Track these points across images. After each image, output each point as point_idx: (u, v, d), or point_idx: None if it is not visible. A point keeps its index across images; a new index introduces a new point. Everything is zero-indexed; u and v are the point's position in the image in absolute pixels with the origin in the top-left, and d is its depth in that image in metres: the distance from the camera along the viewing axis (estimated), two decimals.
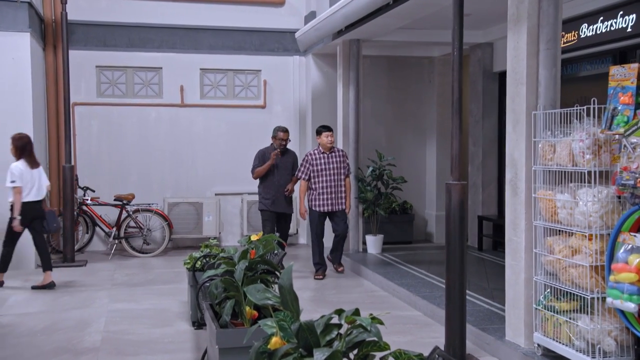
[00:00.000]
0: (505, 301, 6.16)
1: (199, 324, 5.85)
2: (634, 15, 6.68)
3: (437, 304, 6.31)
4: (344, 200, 8.19)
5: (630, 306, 3.88)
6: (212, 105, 10.81)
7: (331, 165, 8.10)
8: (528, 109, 4.83)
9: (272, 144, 8.36)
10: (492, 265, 8.43)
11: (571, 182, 4.47)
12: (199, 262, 5.99)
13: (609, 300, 4.02)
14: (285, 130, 8.32)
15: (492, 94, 9.70)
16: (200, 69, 10.77)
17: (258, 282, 4.43)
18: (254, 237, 4.62)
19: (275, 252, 4.61)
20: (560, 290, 4.57)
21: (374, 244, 9.30)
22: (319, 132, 8.17)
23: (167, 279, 8.14)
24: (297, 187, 8.84)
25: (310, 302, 6.87)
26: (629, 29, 6.81)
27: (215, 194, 10.74)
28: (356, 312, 2.90)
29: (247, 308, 4.32)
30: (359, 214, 9.32)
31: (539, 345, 4.75)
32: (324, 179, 8.07)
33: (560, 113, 4.57)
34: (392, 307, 6.77)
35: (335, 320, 2.95)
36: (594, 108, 4.21)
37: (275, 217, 8.32)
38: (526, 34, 4.83)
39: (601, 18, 7.11)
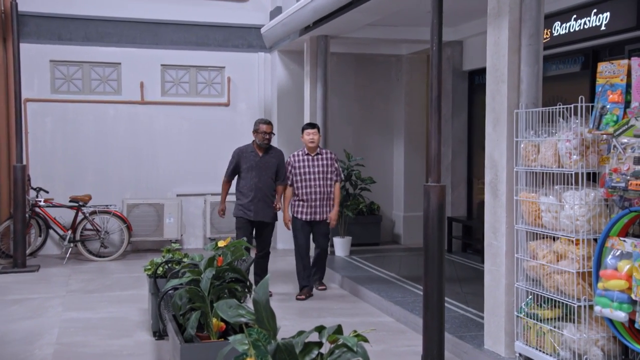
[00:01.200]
0: (480, 307, 5.98)
1: (160, 334, 5.49)
2: (608, 14, 6.55)
3: (410, 309, 6.08)
4: (329, 209, 7.14)
5: (620, 315, 3.69)
6: (174, 103, 10.40)
7: (315, 169, 7.09)
8: (509, 108, 4.63)
9: (253, 140, 7.09)
10: (463, 268, 8.25)
11: (555, 184, 4.28)
12: (160, 268, 5.64)
13: (597, 308, 3.82)
14: (268, 123, 7.07)
15: (461, 93, 9.55)
16: (162, 65, 10.35)
17: (226, 292, 4.13)
18: (221, 243, 4.31)
19: (244, 258, 4.30)
20: (544, 297, 4.37)
21: (341, 246, 9.05)
22: (302, 130, 7.28)
23: (126, 285, 7.74)
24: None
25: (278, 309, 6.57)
26: (602, 27, 6.68)
27: (177, 195, 10.34)
28: (339, 330, 2.63)
29: (214, 320, 4.01)
30: None
31: (520, 354, 4.54)
32: (307, 184, 7.06)
33: (543, 112, 4.37)
34: (363, 312, 6.52)
35: (315, 337, 2.67)
36: (581, 106, 4.01)
37: (252, 226, 7.05)
38: (507, 28, 4.62)
39: (574, 16, 6.98)
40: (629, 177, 3.64)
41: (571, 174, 4.08)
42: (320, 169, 7.10)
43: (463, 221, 9.29)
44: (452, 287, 7.10)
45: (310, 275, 7.24)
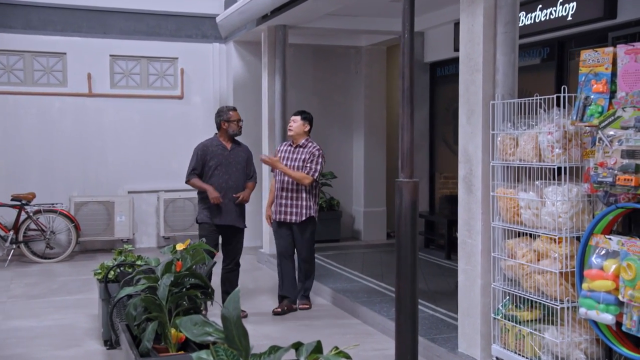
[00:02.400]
0: (450, 306, 5.78)
1: (112, 343, 5.10)
2: (574, 4, 6.41)
3: (378, 310, 5.83)
4: (302, 211, 6.17)
5: (607, 318, 3.49)
6: (124, 95, 9.90)
7: (294, 163, 6.20)
8: (485, 99, 4.39)
9: (216, 134, 6.18)
10: (427, 264, 8.05)
11: (535, 179, 4.06)
12: (112, 272, 5.24)
13: (582, 311, 3.62)
14: (235, 109, 6.21)
15: (422, 86, 9.34)
16: (110, 56, 9.84)
17: (185, 300, 3.79)
18: (179, 246, 3.95)
19: (205, 262, 3.96)
20: (521, 298, 4.16)
21: None
22: None
23: (73, 289, 7.27)
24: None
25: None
26: (569, 18, 6.54)
27: (129, 192, 9.85)
28: (318, 347, 2.33)
29: (173, 330, 3.66)
30: None
31: (497, 358, 4.32)
32: (282, 177, 6.21)
33: (522, 103, 4.15)
34: (328, 314, 6.24)
35: (292, 355, 2.37)
36: (563, 97, 3.79)
37: (219, 233, 6.07)
38: (482, 15, 4.38)
39: (540, 6, 6.83)
40: (616, 172, 3.44)
41: (552, 169, 3.86)
42: (297, 163, 6.18)
43: (425, 216, 9.10)
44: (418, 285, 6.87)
45: (292, 286, 6.34)
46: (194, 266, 3.87)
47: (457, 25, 8.34)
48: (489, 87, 4.39)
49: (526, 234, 4.11)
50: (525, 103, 4.14)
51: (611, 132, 3.50)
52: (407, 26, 4.36)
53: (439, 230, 9.01)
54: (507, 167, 4.23)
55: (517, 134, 4.11)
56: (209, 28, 10.17)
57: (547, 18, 6.76)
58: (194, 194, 9.89)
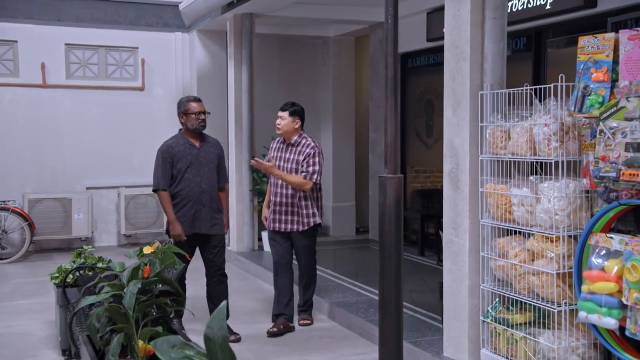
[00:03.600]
0: (429, 306, 5.55)
1: (70, 353, 4.71)
2: None
3: (355, 311, 5.56)
4: (305, 219, 5.42)
5: (610, 322, 3.27)
6: (81, 87, 9.41)
7: (286, 164, 5.41)
8: (472, 89, 4.14)
9: (180, 129, 5.31)
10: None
11: (524, 173, 3.83)
12: (70, 276, 4.84)
13: (582, 315, 3.39)
14: (199, 100, 5.31)
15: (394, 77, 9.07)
16: (66, 45, 9.33)
17: (154, 309, 3.45)
18: (147, 249, 3.60)
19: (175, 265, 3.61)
20: (511, 299, 3.93)
21: None
22: None
23: (28, 292, 6.82)
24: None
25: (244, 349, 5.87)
26: (547, 7, 6.36)
27: (87, 188, 9.39)
28: None
29: (140, 342, 3.32)
30: (253, 208, 8.41)
31: None
32: (273, 179, 5.49)
33: (514, 94, 3.91)
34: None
35: None
36: (561, 86, 3.56)
37: (195, 245, 5.26)
38: (469, 0, 4.12)
39: None
40: (620, 166, 3.22)
41: (547, 163, 3.63)
42: (290, 165, 5.37)
43: None
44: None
45: (290, 302, 5.55)
46: (164, 271, 3.53)
47: (429, 14, 8.11)
48: (477, 76, 4.14)
49: (518, 232, 3.87)
50: (515, 94, 3.91)
51: (614, 124, 3.27)
52: (390, 11, 4.07)
53: (411, 225, 8.79)
54: (498, 161, 3.99)
55: (509, 126, 3.86)
56: (171, 16, 9.74)
57: (525, 7, 6.57)
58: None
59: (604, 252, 3.38)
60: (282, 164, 5.43)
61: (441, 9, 7.88)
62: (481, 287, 4.12)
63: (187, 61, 9.86)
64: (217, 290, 5.34)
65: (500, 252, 3.96)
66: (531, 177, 3.71)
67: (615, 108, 3.29)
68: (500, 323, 3.96)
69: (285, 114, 5.54)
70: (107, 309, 3.30)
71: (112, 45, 9.58)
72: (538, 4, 6.45)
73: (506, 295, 3.93)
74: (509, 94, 3.95)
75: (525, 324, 3.88)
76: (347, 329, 5.50)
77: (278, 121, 5.54)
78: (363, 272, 7.11)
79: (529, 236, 3.78)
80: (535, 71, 6.77)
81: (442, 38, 7.94)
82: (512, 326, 3.89)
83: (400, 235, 4.15)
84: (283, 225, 5.47)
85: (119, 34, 9.54)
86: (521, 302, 3.89)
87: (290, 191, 5.40)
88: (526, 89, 3.83)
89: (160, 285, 3.54)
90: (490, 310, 4.07)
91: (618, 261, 3.28)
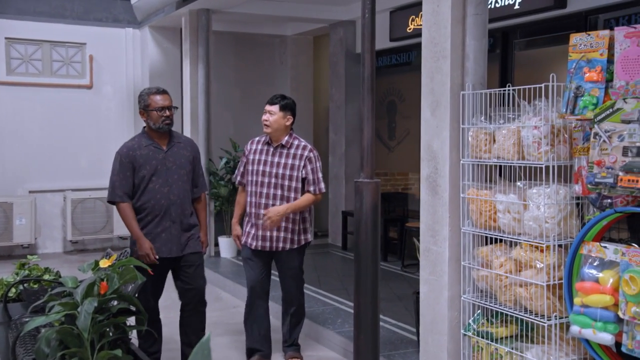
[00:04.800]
0: (400, 317, 5.32)
1: None
2: None
3: (322, 322, 5.28)
4: (296, 236, 4.59)
5: (606, 338, 3.07)
6: (23, 84, 8.87)
7: (274, 169, 4.55)
8: (453, 89, 3.91)
9: (144, 128, 4.41)
10: None
11: (509, 178, 3.62)
12: (13, 290, 4.40)
13: (574, 329, 3.19)
14: (164, 92, 4.36)
15: (355, 77, 8.87)
16: (6, 39, 8.78)
17: (111, 329, 3.10)
18: (104, 263, 3.24)
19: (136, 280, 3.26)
20: (493, 312, 3.72)
21: (228, 246, 8.08)
22: None
23: None
24: None
25: None
26: (516, 6, 6.23)
27: (30, 192, 8.84)
28: None
29: None
30: (210, 212, 8.04)
31: None
32: (257, 189, 4.54)
33: (498, 94, 3.69)
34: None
35: None
36: (552, 87, 3.36)
37: (167, 267, 4.35)
38: None
39: None
40: (617, 171, 3.03)
41: (536, 168, 3.43)
42: (282, 170, 4.51)
43: None
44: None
45: (266, 335, 4.71)
46: (123, 287, 3.18)
47: (392, 13, 7.92)
48: (458, 75, 3.92)
49: (502, 240, 3.66)
50: (497, 94, 3.70)
51: (609, 127, 3.08)
52: (367, 5, 3.81)
53: None
54: (481, 165, 3.77)
55: (494, 128, 3.65)
56: (121, 11, 9.28)
57: (492, 7, 6.42)
58: (106, 193, 9.05)
59: (597, 262, 3.18)
60: (269, 169, 4.55)
61: (405, 7, 7.75)
62: (462, 298, 3.89)
63: (138, 58, 9.42)
64: (192, 321, 4.42)
65: (483, 261, 3.74)
66: (519, 183, 3.50)
67: (611, 110, 3.10)
68: (483, 337, 3.74)
69: (274, 108, 4.60)
70: (58, 331, 2.94)
71: (58, 41, 9.07)
72: (506, 3, 6.32)
73: (490, 307, 3.71)
74: (496, 94, 3.74)
75: (509, 337, 3.67)
76: (315, 341, 5.21)
77: (265, 117, 4.60)
78: (326, 280, 6.84)
79: (514, 245, 3.57)
80: (502, 73, 6.64)
81: (405, 37, 7.82)
82: (496, 340, 3.68)
83: (377, 245, 3.91)
84: (269, 243, 4.52)
85: (65, 28, 9.04)
86: (504, 314, 3.69)
87: (278, 201, 4.51)
88: (510, 90, 3.62)
89: (117, 302, 3.19)
90: (472, 323, 3.85)
91: (614, 272, 3.09)
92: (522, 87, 3.49)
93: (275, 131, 4.57)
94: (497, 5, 6.38)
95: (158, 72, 9.19)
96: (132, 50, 9.39)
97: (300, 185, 4.55)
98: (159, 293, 4.37)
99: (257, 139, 4.77)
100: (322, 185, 4.61)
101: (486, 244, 3.78)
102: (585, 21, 5.79)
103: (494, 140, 3.65)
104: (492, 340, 3.69)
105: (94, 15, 9.21)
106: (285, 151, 4.57)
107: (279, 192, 4.51)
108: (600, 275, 3.12)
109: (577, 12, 5.83)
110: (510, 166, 3.58)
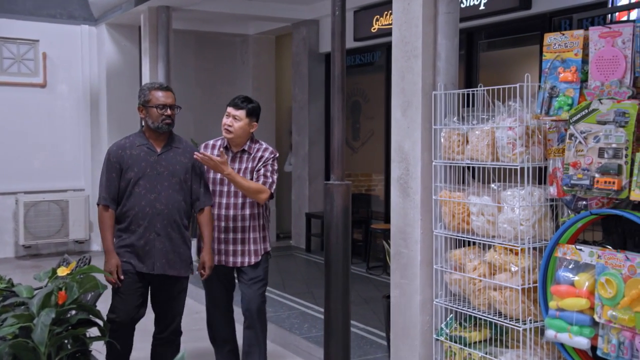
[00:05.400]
0: (368, 320, 5.23)
1: None
2: None
3: (288, 327, 5.16)
4: (258, 246, 4.17)
5: (582, 342, 3.03)
6: None
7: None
8: (425, 89, 3.84)
9: (142, 127, 4.04)
10: None
11: (482, 180, 3.57)
12: None
13: (550, 333, 3.14)
14: (167, 89, 3.98)
15: (318, 78, 8.79)
16: None
17: (69, 341, 2.92)
18: (62, 271, 3.05)
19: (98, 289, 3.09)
20: (465, 316, 3.66)
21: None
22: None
23: None
24: None
25: None
26: (481, 7, 6.21)
27: None
28: None
29: None
30: None
31: None
32: (216, 199, 4.13)
33: (469, 94, 3.63)
34: None
35: None
36: (526, 87, 3.31)
37: (147, 286, 3.90)
38: None
39: None
40: (593, 173, 2.98)
41: (510, 169, 3.37)
42: (244, 176, 4.09)
43: (322, 217, 8.53)
44: (322, 292, 6.27)
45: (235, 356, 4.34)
46: (82, 296, 3.00)
47: (357, 13, 7.84)
48: (429, 75, 3.85)
49: (475, 243, 3.60)
50: (470, 95, 3.63)
51: (585, 128, 3.04)
52: (338, 2, 3.70)
53: None
54: (453, 167, 3.70)
55: (467, 129, 3.58)
56: (76, 7, 8.98)
57: None
58: (62, 196, 8.77)
59: (572, 265, 3.14)
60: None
61: (369, 7, 7.68)
62: (434, 302, 3.82)
63: (95, 57, 9.13)
64: (165, 353, 3.99)
65: (455, 264, 3.68)
66: (493, 185, 3.44)
67: (586, 111, 3.06)
68: (455, 342, 3.67)
69: (240, 113, 4.14)
70: (11, 346, 2.75)
71: (8, 37, 8.72)
72: (471, 4, 6.30)
73: (464, 312, 3.65)
74: (470, 94, 3.67)
75: (483, 342, 3.61)
76: (282, 347, 5.08)
77: (228, 121, 4.13)
78: (291, 283, 6.72)
79: (488, 248, 3.51)
80: (467, 74, 6.62)
81: (370, 37, 7.75)
82: (469, 345, 3.61)
83: (348, 248, 3.82)
84: (231, 259, 4.10)
85: (16, 24, 8.70)
86: (476, 318, 3.63)
87: (240, 211, 4.07)
88: (481, 90, 3.56)
89: (76, 313, 3.02)
90: (444, 328, 3.78)
91: (589, 275, 3.05)
92: (496, 87, 3.44)
93: (239, 138, 4.15)
94: (462, 6, 6.35)
95: (116, 71, 8.93)
96: (88, 49, 9.10)
97: None
98: (138, 311, 3.82)
99: (211, 143, 4.32)
100: (274, 186, 4.13)
101: (457, 247, 3.71)
102: (550, 22, 5.81)
103: (467, 141, 3.59)
104: (465, 345, 3.62)
105: (47, 11, 8.89)
106: (246, 157, 4.17)
107: (239, 200, 4.09)
108: (576, 278, 3.08)
109: (541, 14, 5.85)
110: (482, 168, 3.52)
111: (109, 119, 8.73)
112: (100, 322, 3.06)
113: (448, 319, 3.77)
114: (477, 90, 3.60)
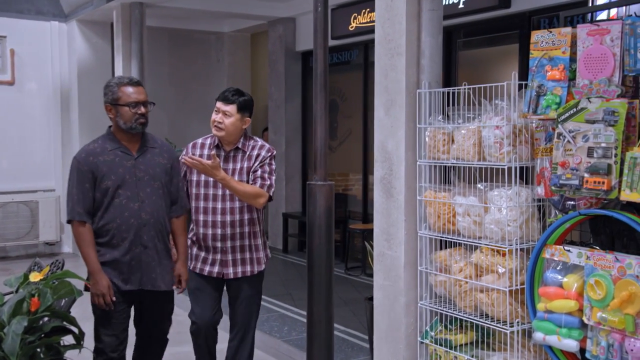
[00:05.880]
0: (348, 322, 5.15)
1: None
2: None
3: (268, 331, 5.08)
4: (260, 254, 3.94)
5: (571, 345, 2.98)
6: None
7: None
8: (409, 87, 3.76)
9: (109, 127, 3.58)
10: (305, 270, 7.38)
11: (467, 180, 3.51)
12: None
13: (538, 336, 3.09)
14: (138, 84, 3.56)
15: (294, 76, 8.70)
16: None
17: (42, 350, 2.79)
18: (34, 277, 2.92)
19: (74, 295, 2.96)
20: (450, 318, 3.59)
21: None
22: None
23: None
24: None
25: None
26: (460, 5, 6.18)
27: None
28: None
29: None
30: None
31: None
32: (208, 204, 3.82)
33: (455, 93, 3.57)
34: None
35: None
36: (513, 85, 3.25)
37: (130, 303, 3.54)
38: None
39: None
40: (583, 173, 2.94)
41: (495, 169, 3.31)
42: (238, 177, 3.81)
43: (299, 217, 8.45)
44: (301, 294, 6.19)
45: None
46: (56, 302, 2.87)
47: (334, 11, 7.76)
48: (413, 73, 3.78)
49: (461, 244, 3.53)
50: (452, 94, 3.57)
51: (573, 127, 2.99)
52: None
53: None
54: (438, 166, 3.63)
55: (452, 128, 3.52)
56: (45, 3, 8.77)
57: None
58: (31, 197, 8.53)
59: (560, 266, 3.10)
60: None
61: (347, 5, 7.61)
62: (419, 304, 3.75)
63: (65, 54, 8.92)
64: (148, 355, 3.72)
65: (441, 266, 3.61)
66: (479, 185, 3.38)
67: (575, 109, 3.01)
68: (441, 344, 3.61)
69: (231, 109, 3.79)
70: None
71: None
72: (450, 2, 6.26)
73: (449, 314, 3.58)
74: (448, 93, 3.61)
75: (468, 344, 3.55)
76: (262, 351, 4.98)
77: (218, 117, 3.80)
78: (268, 284, 6.58)
79: (472, 249, 3.45)
80: (445, 72, 6.58)
81: (347, 36, 7.67)
82: (454, 348, 3.55)
83: (331, 249, 3.74)
84: (231, 269, 3.80)
85: None
86: (461, 320, 3.57)
87: (238, 216, 3.78)
88: (465, 88, 3.50)
89: (49, 320, 2.88)
90: (429, 331, 3.71)
91: (578, 277, 3.01)
92: (483, 85, 3.38)
93: (230, 135, 3.81)
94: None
95: (87, 69, 8.74)
96: (59, 45, 8.89)
97: None
98: (125, 335, 3.48)
99: (199, 141, 3.98)
100: (273, 189, 3.87)
101: (442, 248, 3.65)
102: (529, 21, 5.79)
103: (453, 141, 3.52)
104: (450, 348, 3.56)
105: (15, 7, 8.66)
106: (240, 155, 3.84)
107: (236, 204, 3.78)
108: (564, 279, 3.04)
109: (520, 12, 5.83)
110: (466, 167, 3.46)
111: (80, 118, 8.52)
112: (75, 330, 2.93)
113: (433, 321, 3.71)
114: (462, 89, 3.54)
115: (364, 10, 7.21)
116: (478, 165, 3.38)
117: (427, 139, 3.65)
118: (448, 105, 3.60)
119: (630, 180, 2.79)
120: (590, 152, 2.93)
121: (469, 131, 3.40)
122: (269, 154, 3.88)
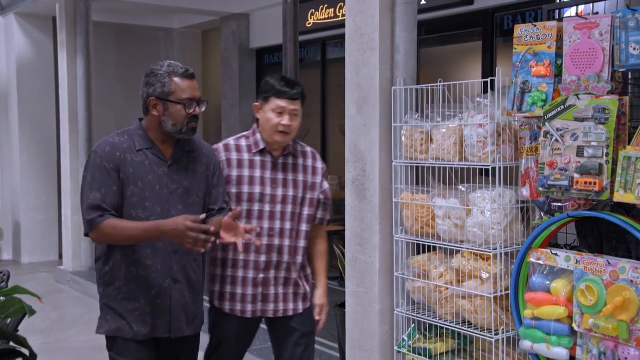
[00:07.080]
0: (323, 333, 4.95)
1: None
2: None
3: None
4: (302, 291, 3.28)
5: (562, 353, 2.84)
6: None
7: (281, 191, 3.14)
8: (382, 84, 3.58)
9: (140, 120, 2.86)
10: None
11: (445, 181, 3.35)
12: None
13: (526, 344, 2.94)
14: (193, 76, 2.93)
15: (249, 74, 8.44)
16: None
17: None
18: None
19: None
20: (427, 325, 3.43)
21: None
22: (265, 97, 3.18)
23: None
24: None
25: None
26: (422, 2, 6.05)
27: None
28: None
29: None
30: None
31: None
32: (259, 223, 3.07)
33: (425, 91, 3.39)
34: None
35: None
36: (497, 81, 3.10)
37: (155, 350, 2.76)
38: None
39: None
40: (573, 173, 2.81)
41: (477, 169, 3.16)
42: (294, 192, 3.17)
43: None
44: None
45: None
46: (5, 322, 2.57)
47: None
48: (387, 69, 3.60)
49: (440, 249, 3.37)
50: (430, 90, 3.41)
51: (561, 125, 2.86)
52: None
53: None
54: (415, 167, 3.46)
55: (431, 127, 3.35)
56: None
57: None
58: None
59: (547, 271, 2.96)
60: (278, 192, 3.13)
61: (304, 1, 7.39)
62: (395, 312, 3.57)
63: (2, 49, 8.44)
64: None
65: (418, 271, 3.44)
66: (461, 186, 3.22)
67: (562, 107, 2.88)
68: (419, 354, 3.44)
69: (299, 107, 3.19)
70: None
71: None
72: None
73: (428, 322, 3.41)
74: (424, 90, 3.44)
75: (449, 353, 3.39)
76: None
77: (287, 121, 3.11)
78: None
79: (451, 253, 3.29)
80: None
81: (305, 33, 7.45)
82: (434, 357, 3.39)
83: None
84: (271, 306, 3.17)
85: None
86: (440, 328, 3.41)
87: (288, 240, 3.13)
88: (440, 85, 3.34)
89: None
90: (406, 339, 3.54)
91: (566, 282, 2.87)
92: (464, 81, 3.22)
93: (289, 138, 3.19)
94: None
95: (28, 65, 8.28)
96: None
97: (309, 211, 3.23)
98: None
99: (232, 143, 3.18)
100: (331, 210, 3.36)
101: (420, 252, 3.48)
102: (492, 19, 5.71)
103: (432, 140, 3.36)
104: (429, 357, 3.39)
105: None
106: (290, 161, 3.19)
107: (287, 226, 3.12)
108: (552, 285, 2.90)
109: (483, 10, 5.74)
110: (445, 168, 3.29)
111: (20, 117, 8.05)
112: (26, 352, 2.62)
113: (410, 329, 3.54)
114: (438, 86, 3.37)
115: (322, 7, 7.02)
116: (459, 166, 3.22)
117: (403, 138, 3.47)
118: (419, 103, 3.44)
119: (624, 180, 2.66)
120: (580, 151, 2.80)
121: (450, 130, 3.24)
122: (323, 168, 3.33)
